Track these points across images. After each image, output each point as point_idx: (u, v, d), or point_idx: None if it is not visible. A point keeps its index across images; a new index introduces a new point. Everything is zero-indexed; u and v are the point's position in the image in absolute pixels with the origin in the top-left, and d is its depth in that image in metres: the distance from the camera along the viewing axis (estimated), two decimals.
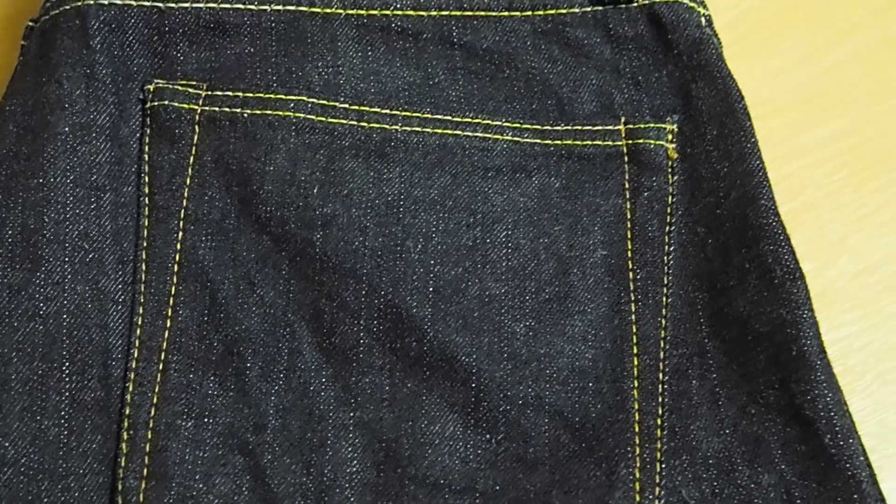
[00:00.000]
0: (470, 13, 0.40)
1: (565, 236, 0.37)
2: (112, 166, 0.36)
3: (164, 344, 0.35)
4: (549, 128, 0.39)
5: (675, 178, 0.38)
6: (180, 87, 0.37)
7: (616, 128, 0.39)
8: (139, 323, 0.35)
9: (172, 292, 0.36)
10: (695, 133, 0.39)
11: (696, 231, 0.37)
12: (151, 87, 0.37)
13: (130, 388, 0.34)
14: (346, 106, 0.37)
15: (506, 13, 0.40)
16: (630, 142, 0.38)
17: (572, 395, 0.35)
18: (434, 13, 0.40)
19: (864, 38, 0.50)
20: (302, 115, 0.37)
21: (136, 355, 0.35)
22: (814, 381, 0.34)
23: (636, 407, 0.35)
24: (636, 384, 0.35)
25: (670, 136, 0.39)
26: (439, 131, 0.38)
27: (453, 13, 0.40)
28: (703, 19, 0.41)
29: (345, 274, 0.35)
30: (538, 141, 0.38)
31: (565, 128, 0.39)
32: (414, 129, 0.37)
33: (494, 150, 0.38)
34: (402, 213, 0.36)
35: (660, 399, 0.35)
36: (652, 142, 0.38)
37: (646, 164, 0.38)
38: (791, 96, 0.49)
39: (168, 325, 0.35)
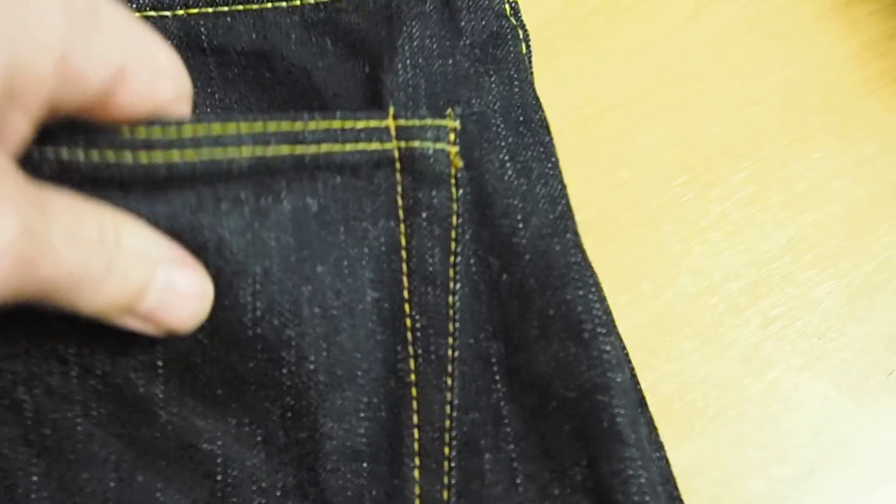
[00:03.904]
0: (226, 8, 0.33)
1: (330, 280, 0.28)
2: None
3: None
4: (300, 128, 0.28)
5: (461, 192, 0.29)
6: None
7: (383, 124, 0.29)
8: None
9: None
10: (483, 136, 0.30)
11: (488, 263, 0.29)
12: None
13: None
14: None
15: (269, 5, 0.33)
16: (403, 144, 0.29)
17: (344, 484, 0.28)
18: (180, 12, 0.33)
19: (706, 25, 0.45)
20: None
21: None
22: (627, 459, 0.27)
23: (417, 492, 0.27)
24: (417, 462, 0.28)
25: (452, 136, 0.30)
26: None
27: (203, 10, 0.33)
28: (507, 6, 0.33)
29: None
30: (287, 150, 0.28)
31: (321, 125, 0.28)
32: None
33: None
34: None
35: (445, 480, 0.28)
36: (430, 144, 0.29)
37: (422, 173, 0.29)
38: (624, 94, 0.43)
39: None
